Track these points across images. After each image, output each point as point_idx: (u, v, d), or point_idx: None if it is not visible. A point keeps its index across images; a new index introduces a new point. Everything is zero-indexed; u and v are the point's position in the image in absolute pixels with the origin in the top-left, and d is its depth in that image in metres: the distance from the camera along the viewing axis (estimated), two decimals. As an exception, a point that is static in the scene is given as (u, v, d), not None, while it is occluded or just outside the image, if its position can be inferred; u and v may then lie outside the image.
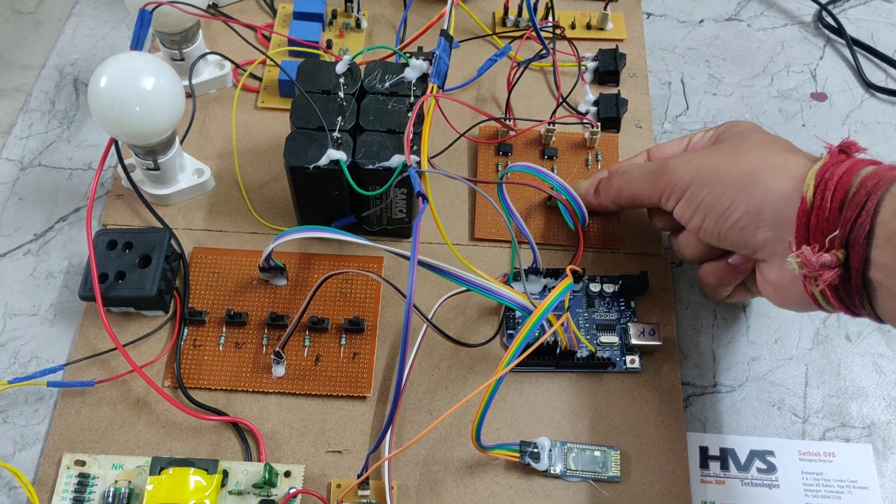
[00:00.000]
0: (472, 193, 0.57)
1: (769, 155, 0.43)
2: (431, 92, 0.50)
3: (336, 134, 0.49)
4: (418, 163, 0.47)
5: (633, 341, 0.50)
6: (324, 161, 0.48)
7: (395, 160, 0.48)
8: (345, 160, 0.48)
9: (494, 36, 0.65)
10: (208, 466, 0.44)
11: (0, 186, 0.57)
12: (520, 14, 0.66)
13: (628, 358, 0.51)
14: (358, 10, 0.64)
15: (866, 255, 0.37)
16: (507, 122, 0.59)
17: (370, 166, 0.48)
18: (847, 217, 0.37)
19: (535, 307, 0.45)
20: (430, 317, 0.49)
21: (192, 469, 0.44)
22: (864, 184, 0.38)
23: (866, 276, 0.37)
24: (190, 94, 0.58)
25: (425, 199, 0.45)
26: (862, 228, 0.37)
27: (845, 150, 0.41)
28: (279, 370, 0.49)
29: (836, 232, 0.37)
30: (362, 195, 0.49)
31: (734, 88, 0.64)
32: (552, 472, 0.47)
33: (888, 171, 0.38)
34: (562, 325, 0.47)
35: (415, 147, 0.48)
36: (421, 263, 0.44)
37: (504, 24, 0.66)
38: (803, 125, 0.63)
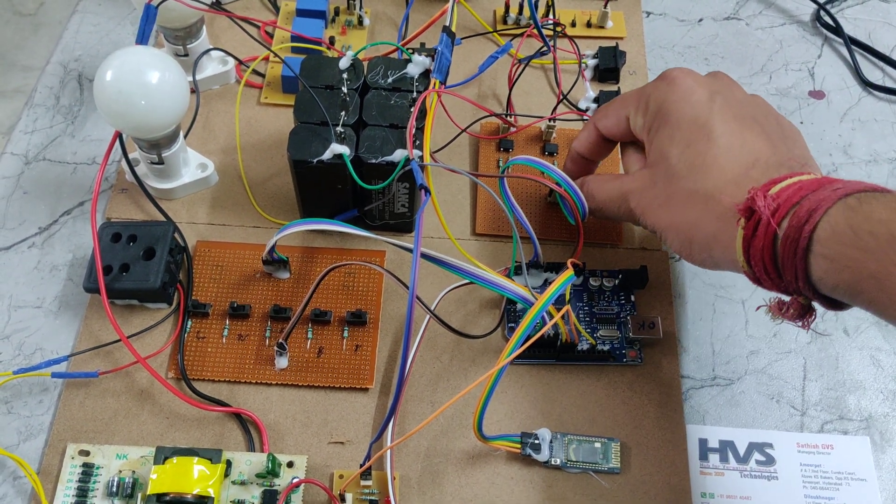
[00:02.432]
0: (474, 189, 0.58)
1: (697, 215, 0.41)
2: (433, 87, 0.50)
3: (339, 128, 0.49)
4: (421, 157, 0.47)
5: (633, 334, 0.50)
6: (327, 155, 0.48)
7: (398, 154, 0.48)
8: (348, 154, 0.48)
9: (495, 33, 0.66)
10: (212, 456, 0.44)
11: (5, 181, 0.57)
12: (521, 12, 0.66)
13: (628, 351, 0.51)
14: (360, 8, 0.65)
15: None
16: (508, 118, 0.59)
17: (373, 160, 0.48)
18: (788, 279, 0.37)
19: (537, 299, 0.45)
20: (432, 308, 0.50)
21: (196, 458, 0.44)
22: (785, 244, 0.36)
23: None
24: (194, 90, 0.58)
25: (428, 191, 0.45)
26: (801, 273, 0.36)
27: (751, 207, 0.38)
28: (282, 362, 0.50)
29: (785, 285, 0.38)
30: (365, 189, 0.50)
31: (733, 86, 0.65)
32: (553, 463, 0.47)
33: (802, 207, 0.36)
34: (562, 317, 0.47)
35: (417, 142, 0.48)
36: (423, 255, 0.45)
37: (505, 22, 0.67)
38: (801, 122, 0.63)
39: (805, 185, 0.37)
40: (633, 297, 0.53)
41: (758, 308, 0.39)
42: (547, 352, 0.50)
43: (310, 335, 0.51)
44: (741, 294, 0.55)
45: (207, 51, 0.59)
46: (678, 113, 0.43)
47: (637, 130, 0.46)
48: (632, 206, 0.45)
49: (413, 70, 0.52)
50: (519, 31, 0.66)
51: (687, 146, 0.42)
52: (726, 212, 0.39)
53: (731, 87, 0.45)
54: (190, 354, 0.50)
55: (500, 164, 0.59)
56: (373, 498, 0.46)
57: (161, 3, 0.52)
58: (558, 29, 0.64)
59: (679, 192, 0.42)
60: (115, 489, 0.45)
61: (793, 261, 0.36)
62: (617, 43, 0.65)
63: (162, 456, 0.44)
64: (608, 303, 0.53)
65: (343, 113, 0.50)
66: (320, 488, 0.46)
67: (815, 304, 0.39)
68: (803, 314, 0.38)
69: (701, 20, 0.69)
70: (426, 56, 0.52)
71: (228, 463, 0.46)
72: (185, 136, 0.56)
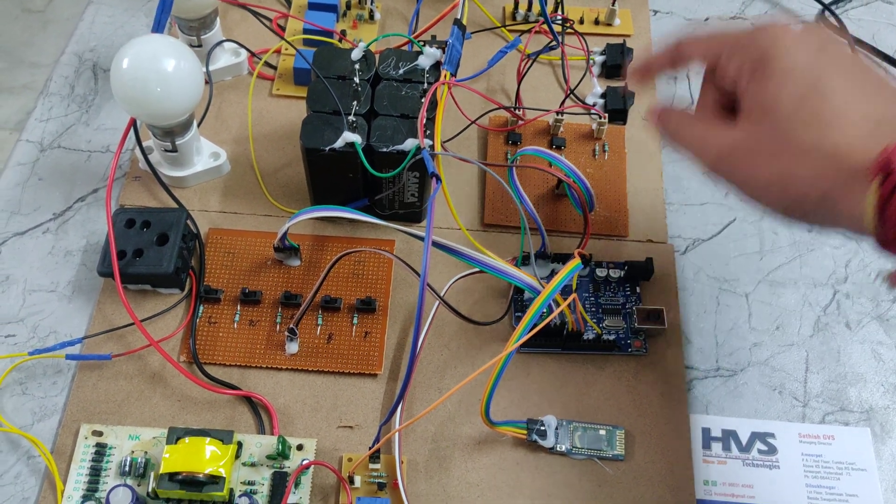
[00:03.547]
0: (483, 180, 0.59)
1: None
2: (444, 79, 0.51)
3: (351, 118, 0.50)
4: (431, 146, 0.48)
5: (638, 325, 0.51)
6: (339, 143, 0.49)
7: (409, 143, 0.49)
8: (360, 143, 0.49)
9: (504, 29, 0.67)
10: (223, 437, 0.45)
11: (20, 167, 0.58)
12: (529, 8, 0.67)
13: (633, 341, 0.52)
14: (371, 2, 0.66)
15: None
16: (517, 111, 0.60)
17: (384, 149, 0.49)
18: None
19: (544, 288, 0.46)
20: (441, 295, 0.50)
21: (208, 439, 0.45)
22: None
23: None
24: (207, 81, 0.59)
25: (439, 179, 0.46)
26: None
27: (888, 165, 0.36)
28: (292, 347, 0.50)
29: None
30: (376, 178, 0.51)
31: (738, 84, 0.66)
32: (558, 449, 0.48)
33: None
34: (569, 306, 0.48)
35: (428, 131, 0.49)
36: (433, 243, 0.46)
37: (514, 19, 0.68)
38: (806, 120, 0.64)
39: None
40: (638, 289, 0.54)
41: (875, 278, 0.37)
42: (553, 341, 0.51)
43: (320, 321, 0.52)
44: (745, 287, 0.56)
45: (221, 42, 0.60)
46: (787, 63, 0.39)
47: (729, 73, 0.42)
48: (723, 156, 0.41)
49: (424, 62, 0.53)
50: (528, 27, 0.66)
51: (801, 99, 0.39)
52: (853, 169, 0.36)
53: (835, 41, 0.42)
54: (202, 339, 0.51)
55: (509, 156, 0.59)
56: (381, 481, 0.46)
57: (177, -8, 0.53)
58: (567, 24, 0.64)
59: (792, 146, 0.39)
60: (127, 469, 0.46)
61: None
62: (624, 40, 0.66)
63: (174, 436, 0.45)
64: (614, 294, 0.54)
65: (355, 103, 0.51)
66: (329, 471, 0.46)
67: None
68: None
69: (707, 19, 0.70)
70: (437, 48, 0.52)
71: (239, 445, 0.46)
72: (199, 126, 0.57)
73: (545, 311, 0.46)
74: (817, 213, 0.39)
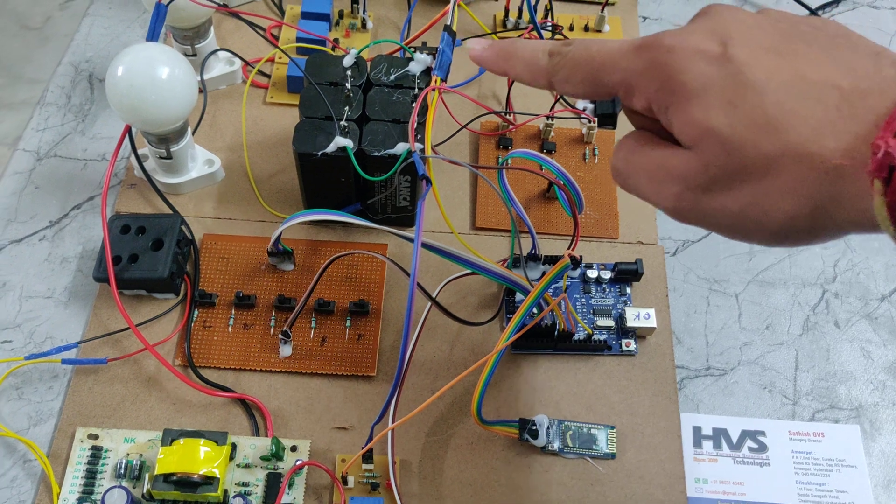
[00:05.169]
0: (474, 184, 0.59)
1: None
2: (435, 84, 0.52)
3: (343, 123, 0.51)
4: (422, 149, 0.49)
5: (629, 325, 0.52)
6: (331, 148, 0.50)
7: (400, 147, 0.50)
8: (351, 147, 0.50)
9: (495, 36, 0.68)
10: (217, 438, 0.46)
11: (17, 175, 0.59)
12: (520, 16, 0.68)
13: (624, 341, 0.52)
14: (364, 11, 0.66)
15: None
16: (507, 116, 0.61)
17: (376, 153, 0.50)
18: None
19: (534, 288, 0.47)
20: (433, 297, 0.51)
21: (202, 440, 0.45)
22: None
23: None
24: (201, 89, 0.60)
25: (429, 181, 0.47)
26: None
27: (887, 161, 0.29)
28: (286, 350, 0.51)
29: None
30: (368, 182, 0.51)
31: (727, 88, 0.67)
32: (550, 448, 0.48)
33: None
34: (559, 305, 0.49)
35: (419, 136, 0.50)
36: (424, 245, 0.46)
37: (505, 26, 0.69)
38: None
39: None
40: (628, 290, 0.54)
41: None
42: (545, 341, 0.51)
43: (313, 324, 0.52)
44: (735, 288, 0.56)
45: (215, 51, 0.61)
46: (695, 77, 0.33)
47: (638, 111, 0.36)
48: (684, 190, 0.34)
49: (415, 68, 0.53)
50: (517, 34, 0.67)
51: (733, 107, 0.32)
52: (834, 167, 0.30)
53: (738, 16, 0.34)
54: (196, 342, 0.51)
55: (500, 160, 0.60)
56: (374, 481, 0.47)
57: (171, 1, 0.53)
58: (556, 31, 0.65)
59: (751, 165, 0.32)
60: (122, 471, 0.46)
61: None
62: (613, 46, 0.66)
63: (169, 438, 0.45)
64: (604, 295, 0.54)
65: (347, 108, 0.52)
66: (323, 471, 0.47)
67: None
68: None
69: (696, 25, 0.71)
70: (428, 54, 0.53)
71: (234, 446, 0.47)
72: (193, 134, 0.58)
73: (535, 311, 0.47)
74: (816, 230, 0.33)
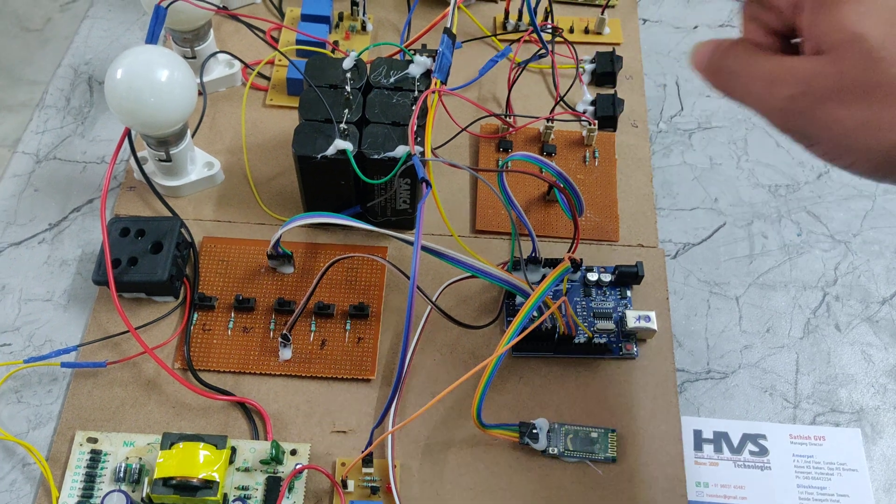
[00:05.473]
0: (474, 187, 0.59)
1: None
2: (435, 86, 0.52)
3: (343, 125, 0.51)
4: (422, 152, 0.49)
5: (630, 327, 0.51)
6: (331, 151, 0.50)
7: (400, 150, 0.50)
8: (351, 150, 0.50)
9: (495, 38, 0.68)
10: (217, 442, 0.46)
11: (16, 178, 0.59)
12: (520, 18, 0.68)
13: (624, 344, 0.52)
14: (364, 13, 0.66)
15: None
16: (507, 118, 0.61)
17: (375, 156, 0.50)
18: None
19: (534, 291, 0.47)
20: (433, 300, 0.51)
21: (202, 444, 0.45)
22: None
23: None
24: (201, 92, 0.60)
25: (429, 184, 0.47)
26: None
27: None
28: (286, 353, 0.51)
29: None
30: (368, 185, 0.51)
31: (727, 91, 0.67)
32: (550, 452, 0.48)
33: None
34: (559, 308, 0.48)
35: (418, 138, 0.50)
36: (424, 248, 0.46)
37: (505, 29, 0.68)
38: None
39: None
40: (629, 293, 0.54)
41: None
42: (545, 344, 0.51)
43: (313, 328, 0.52)
44: (735, 291, 0.56)
45: (214, 53, 0.61)
46: None
47: (780, 5, 0.35)
48: (802, 91, 0.33)
49: (415, 70, 0.53)
50: (518, 37, 0.67)
51: (890, 25, 0.32)
52: None
53: None
54: (196, 346, 0.51)
55: (500, 163, 0.60)
56: (374, 485, 0.46)
57: (170, 4, 0.53)
58: (557, 33, 0.65)
59: (886, 82, 0.32)
60: (122, 475, 0.46)
61: None
62: (614, 48, 0.66)
63: (168, 441, 0.45)
64: (605, 298, 0.54)
65: (346, 111, 0.51)
66: (323, 475, 0.47)
67: None
68: None
69: (696, 27, 0.71)
70: (427, 57, 0.53)
71: (233, 450, 0.47)
72: (193, 136, 0.58)
73: (535, 314, 0.47)
74: None
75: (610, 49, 0.66)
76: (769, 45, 0.36)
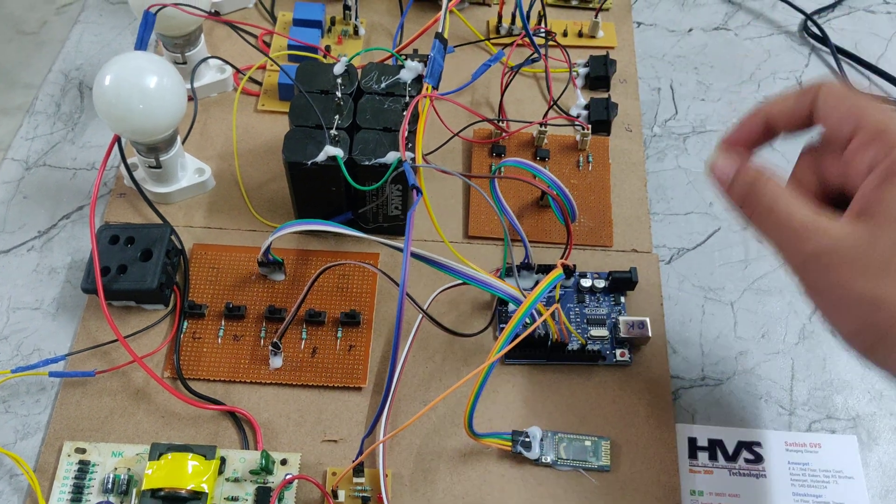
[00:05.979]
0: (466, 193, 0.59)
1: None
2: (426, 92, 0.51)
3: (333, 131, 0.50)
4: (413, 158, 0.48)
5: (623, 335, 0.51)
6: (321, 157, 0.49)
7: (391, 156, 0.49)
8: (342, 156, 0.49)
9: (488, 42, 0.67)
10: (206, 452, 0.45)
11: (5, 185, 0.58)
12: (513, 22, 0.67)
13: (618, 351, 0.52)
14: (356, 18, 0.66)
15: None
16: (500, 123, 0.60)
17: (366, 162, 0.49)
18: None
19: (526, 298, 0.46)
20: (424, 308, 0.50)
21: (191, 455, 0.45)
22: None
23: None
24: (192, 97, 0.59)
25: (419, 191, 0.46)
26: None
27: None
28: (276, 361, 0.50)
29: None
30: (359, 191, 0.51)
31: (722, 94, 0.66)
32: (543, 461, 0.48)
33: None
34: (552, 315, 0.48)
35: (410, 144, 0.49)
36: (415, 255, 0.46)
37: (498, 33, 0.68)
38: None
39: None
40: (623, 299, 0.54)
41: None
42: (538, 352, 0.51)
43: (304, 335, 0.52)
44: (730, 296, 0.56)
45: (205, 59, 0.61)
46: None
47: (855, 165, 0.36)
48: (820, 255, 0.34)
49: (406, 75, 0.53)
50: (510, 41, 0.67)
51: None
52: None
53: None
54: (186, 354, 0.51)
55: (492, 168, 0.60)
56: (365, 495, 0.46)
57: (159, 9, 0.53)
58: (550, 37, 0.65)
59: None
60: (110, 486, 0.46)
61: None
62: (608, 52, 0.66)
63: (157, 452, 0.45)
64: (598, 304, 0.54)
65: (337, 117, 0.51)
66: (314, 485, 0.46)
67: None
68: None
69: (690, 30, 0.71)
70: (419, 62, 0.53)
71: (223, 460, 0.46)
72: (184, 142, 0.57)
73: (528, 321, 0.46)
74: None
75: (604, 53, 0.65)
76: (813, 190, 0.37)
